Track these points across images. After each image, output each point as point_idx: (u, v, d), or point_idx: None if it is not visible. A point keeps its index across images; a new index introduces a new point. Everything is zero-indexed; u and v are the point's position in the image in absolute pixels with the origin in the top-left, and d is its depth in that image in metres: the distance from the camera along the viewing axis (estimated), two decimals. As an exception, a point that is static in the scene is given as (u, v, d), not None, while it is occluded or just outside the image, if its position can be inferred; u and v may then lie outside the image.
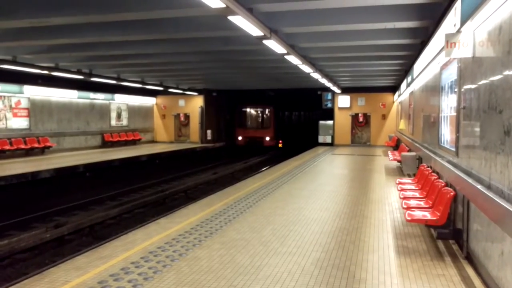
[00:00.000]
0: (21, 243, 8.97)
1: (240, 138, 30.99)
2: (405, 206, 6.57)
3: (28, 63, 14.61)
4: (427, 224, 6.10)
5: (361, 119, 26.45)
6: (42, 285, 4.78)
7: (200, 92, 28.11)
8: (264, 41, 9.16)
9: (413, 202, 6.85)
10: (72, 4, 8.06)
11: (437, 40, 7.29)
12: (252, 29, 7.94)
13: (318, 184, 11.96)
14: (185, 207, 9.30)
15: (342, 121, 26.67)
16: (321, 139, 27.98)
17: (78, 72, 16.99)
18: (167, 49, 12.74)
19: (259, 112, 32.35)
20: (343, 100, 26.45)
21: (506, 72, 3.88)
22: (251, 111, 32.37)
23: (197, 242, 6.34)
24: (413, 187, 8.28)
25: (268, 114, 31.88)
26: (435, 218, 5.84)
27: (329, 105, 27.33)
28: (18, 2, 8.21)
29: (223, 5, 6.22)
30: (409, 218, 5.97)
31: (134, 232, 7.09)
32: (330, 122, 27.41)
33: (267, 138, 30.91)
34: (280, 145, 32.74)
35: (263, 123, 31.96)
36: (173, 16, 8.87)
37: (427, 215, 6.05)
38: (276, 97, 33.75)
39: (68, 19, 8.65)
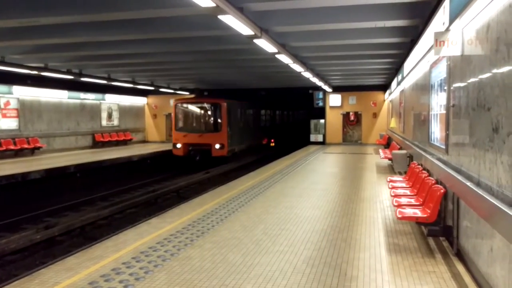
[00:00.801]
0: (11, 245, 8.89)
1: (179, 146, 22.13)
2: (396, 204, 6.61)
3: (17, 63, 14.45)
4: (418, 222, 6.13)
5: (352, 118, 26.55)
6: (32, 286, 4.73)
7: (191, 91, 28.02)
8: (255, 40, 9.15)
9: (404, 200, 6.90)
10: (61, 4, 7.98)
11: (427, 39, 7.32)
12: (243, 28, 7.92)
13: (310, 182, 11.98)
14: (177, 206, 9.27)
15: (333, 120, 26.76)
16: (312, 137, 28.04)
17: (68, 72, 16.84)
18: (158, 49, 12.69)
19: (205, 109, 23.44)
20: (334, 99, 26.54)
21: (494, 70, 3.91)
22: (191, 108, 23.64)
23: (189, 241, 6.33)
24: (404, 184, 8.33)
25: (219, 112, 22.72)
26: (425, 215, 5.89)
27: (320, 104, 27.41)
28: (6, 1, 8.11)
29: (213, 4, 6.20)
30: (400, 216, 6.01)
31: (125, 232, 7.05)
32: (322, 121, 27.49)
33: (217, 146, 21.91)
34: (272, 144, 32.69)
35: (214, 125, 22.92)
36: (164, 16, 8.82)
37: (417, 212, 6.10)
38: (245, 94, 28.47)
39: (57, 19, 8.56)
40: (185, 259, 5.56)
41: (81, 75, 17.82)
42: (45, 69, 15.67)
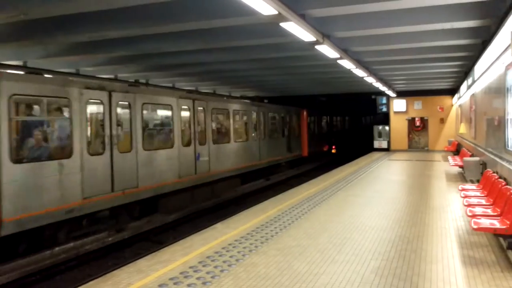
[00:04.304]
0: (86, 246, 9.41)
1: None
2: (470, 214, 6.25)
3: (90, 75, 15.37)
4: (496, 233, 5.75)
5: (418, 123, 25.56)
6: (106, 287, 4.97)
7: (252, 99, 28.32)
8: (316, 47, 9.09)
9: (478, 210, 6.50)
10: (128, 17, 8.38)
11: (501, 39, 6.91)
12: (305, 35, 7.90)
13: (375, 190, 11.64)
14: (240, 213, 9.36)
15: (398, 126, 25.91)
16: (376, 144, 27.26)
17: (136, 82, 17.64)
18: (219, 58, 12.95)
19: None
20: (399, 104, 25.71)
21: None
22: None
23: (253, 247, 6.35)
24: (478, 193, 7.86)
25: None
26: (504, 226, 5.50)
27: (384, 109, 26.64)
28: (77, 18, 8.64)
29: (276, 12, 6.24)
30: (475, 227, 5.66)
31: (191, 237, 7.22)
32: (386, 127, 26.71)
33: None
34: (333, 151, 32.24)
35: None
36: (226, 25, 9.00)
37: (495, 223, 5.71)
38: None
39: (123, 32, 9.04)
40: (250, 265, 5.59)
41: (148, 85, 18.59)
42: (115, 80, 16.52)
